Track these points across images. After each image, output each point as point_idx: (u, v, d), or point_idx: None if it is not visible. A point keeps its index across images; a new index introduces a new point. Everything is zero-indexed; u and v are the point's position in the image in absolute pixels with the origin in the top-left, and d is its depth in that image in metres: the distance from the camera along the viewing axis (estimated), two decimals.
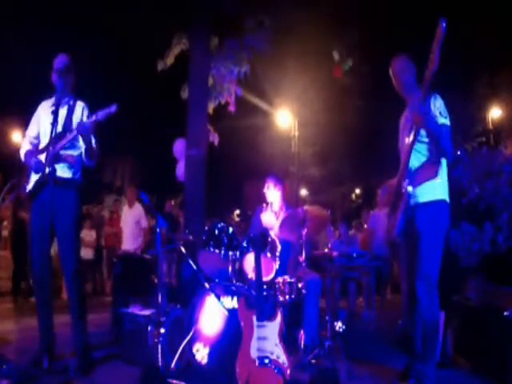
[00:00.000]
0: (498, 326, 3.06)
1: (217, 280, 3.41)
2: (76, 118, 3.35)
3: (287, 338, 3.13)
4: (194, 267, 3.43)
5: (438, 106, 2.88)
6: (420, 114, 2.74)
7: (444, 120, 2.86)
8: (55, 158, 3.20)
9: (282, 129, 13.77)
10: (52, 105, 3.32)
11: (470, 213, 3.90)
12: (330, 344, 3.47)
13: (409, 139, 2.89)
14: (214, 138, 6.55)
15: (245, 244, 3.46)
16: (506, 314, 3.00)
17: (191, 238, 3.90)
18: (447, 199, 2.92)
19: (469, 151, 4.24)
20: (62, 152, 3.25)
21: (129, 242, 6.75)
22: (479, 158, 4.10)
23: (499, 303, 3.25)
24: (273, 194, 4.03)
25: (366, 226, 8.09)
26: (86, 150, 3.30)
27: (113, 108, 3.15)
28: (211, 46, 6.02)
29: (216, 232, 3.46)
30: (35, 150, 3.37)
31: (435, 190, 2.88)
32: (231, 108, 6.46)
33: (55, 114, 3.19)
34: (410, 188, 2.79)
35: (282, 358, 2.75)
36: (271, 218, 4.00)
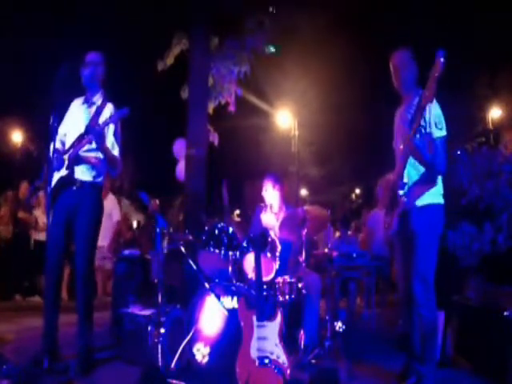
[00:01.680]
0: (498, 326, 3.06)
1: (217, 280, 3.41)
2: (103, 120, 3.28)
3: (287, 338, 3.13)
4: (194, 267, 3.43)
5: (433, 115, 2.82)
6: (411, 148, 2.77)
7: (439, 132, 2.82)
8: (75, 160, 3.19)
9: (282, 129, 13.77)
10: (82, 103, 3.33)
11: (470, 213, 3.90)
12: (329, 344, 3.47)
13: (402, 146, 2.89)
14: (214, 138, 6.54)
15: (245, 244, 3.46)
16: (505, 314, 3.00)
17: (191, 237, 3.90)
18: (442, 201, 2.95)
19: (469, 151, 4.24)
20: (83, 154, 3.22)
21: (100, 238, 6.58)
22: (479, 157, 4.10)
23: (499, 303, 3.24)
24: (272, 195, 4.01)
25: (365, 225, 8.08)
26: (104, 157, 3.26)
27: (124, 111, 3.13)
28: (211, 46, 6.01)
29: (216, 232, 3.46)
30: (61, 150, 3.35)
31: (429, 194, 2.91)
32: (231, 108, 6.46)
33: (83, 113, 3.23)
34: (404, 199, 2.82)
35: (282, 358, 2.75)
36: (271, 218, 4.00)
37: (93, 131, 3.13)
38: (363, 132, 13.85)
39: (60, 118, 3.32)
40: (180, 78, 6.33)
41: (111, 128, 3.28)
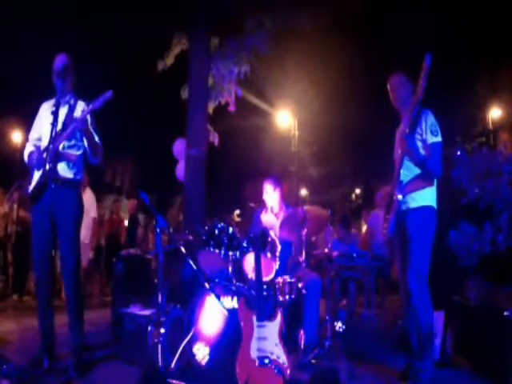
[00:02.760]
0: (497, 326, 3.06)
1: (217, 280, 3.41)
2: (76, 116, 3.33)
3: (287, 338, 3.13)
4: (194, 267, 3.43)
5: (429, 124, 3.06)
6: (407, 147, 2.98)
7: (435, 138, 3.03)
8: (56, 156, 3.19)
9: (282, 129, 13.77)
10: (53, 105, 3.32)
11: (470, 213, 3.90)
12: (329, 344, 3.47)
13: (399, 153, 3.11)
14: (214, 138, 6.55)
15: (245, 244, 3.46)
16: (505, 314, 3.00)
17: (191, 237, 3.90)
18: (435, 205, 3.11)
19: (469, 151, 4.24)
20: (62, 150, 3.24)
21: None
22: (479, 157, 4.10)
23: (499, 303, 3.25)
24: (272, 197, 4.01)
25: (365, 225, 8.08)
26: (89, 145, 3.29)
27: (108, 94, 3.11)
28: (211, 46, 6.02)
29: (216, 232, 3.47)
30: (37, 151, 3.36)
31: (424, 197, 3.08)
32: (231, 108, 6.46)
33: (55, 113, 3.18)
34: (399, 196, 3.03)
35: (282, 358, 2.76)
36: (271, 218, 4.00)
37: (81, 121, 3.13)
38: (363, 132, 13.84)
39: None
40: (180, 78, 6.33)
41: (88, 118, 3.28)
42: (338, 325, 3.68)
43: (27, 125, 3.49)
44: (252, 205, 4.05)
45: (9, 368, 2.84)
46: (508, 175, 3.84)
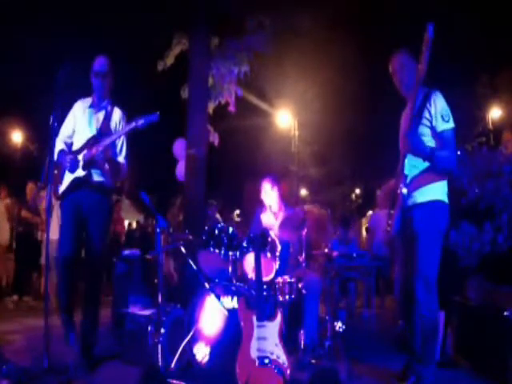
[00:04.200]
0: (497, 326, 3.06)
1: (217, 280, 3.41)
2: (113, 125, 3.33)
3: (287, 338, 3.13)
4: (194, 267, 3.43)
5: (439, 108, 2.73)
6: (408, 146, 2.72)
7: (446, 125, 2.73)
8: (90, 162, 3.19)
9: (282, 129, 13.78)
10: (89, 106, 3.31)
11: (470, 213, 3.89)
12: (329, 344, 3.47)
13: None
14: (214, 138, 6.55)
15: (245, 244, 3.46)
16: (505, 314, 3.00)
17: (191, 237, 3.90)
18: (445, 199, 2.86)
19: (469, 151, 4.23)
20: (96, 158, 3.20)
21: (54, 231, 6.41)
22: (479, 158, 4.09)
23: (499, 303, 3.24)
24: (270, 196, 4.02)
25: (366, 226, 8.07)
26: (110, 170, 3.27)
27: (155, 116, 3.07)
28: (211, 46, 6.01)
29: (216, 232, 3.47)
30: (70, 153, 3.33)
31: (433, 190, 2.82)
32: (231, 108, 6.46)
33: (90, 116, 3.21)
34: (404, 190, 2.74)
35: (282, 358, 2.75)
36: (271, 218, 4.00)
37: (101, 146, 3.13)
38: (363, 132, 13.86)
39: (60, 118, 3.31)
40: (180, 78, 6.33)
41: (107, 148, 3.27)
42: (338, 325, 3.67)
43: (27, 125, 3.49)
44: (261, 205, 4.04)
45: (9, 368, 2.84)
46: (508, 175, 3.84)
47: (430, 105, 2.75)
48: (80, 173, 3.23)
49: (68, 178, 3.27)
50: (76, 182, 3.21)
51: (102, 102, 3.36)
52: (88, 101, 3.41)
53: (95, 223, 3.25)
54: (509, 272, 3.50)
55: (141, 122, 3.08)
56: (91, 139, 3.23)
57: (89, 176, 3.20)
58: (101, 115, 3.33)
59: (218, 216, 7.22)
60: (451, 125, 2.75)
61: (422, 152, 2.72)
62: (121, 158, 3.39)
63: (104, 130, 3.25)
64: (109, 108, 3.36)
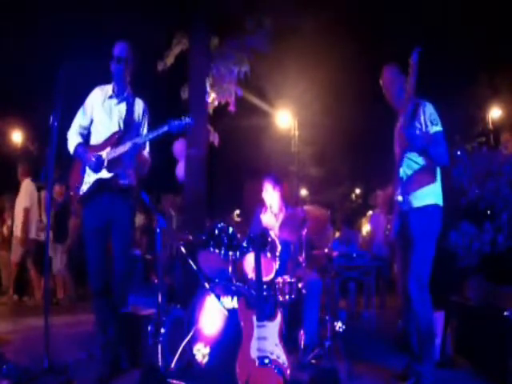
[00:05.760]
0: (497, 326, 3.06)
1: (217, 280, 3.41)
2: (136, 117, 3.16)
3: (287, 338, 3.13)
4: (194, 267, 3.43)
5: (428, 114, 2.95)
6: (405, 138, 2.88)
7: (436, 128, 2.93)
8: (116, 162, 3.01)
9: (282, 129, 13.76)
10: (109, 96, 3.12)
11: (470, 213, 3.89)
12: (329, 344, 3.47)
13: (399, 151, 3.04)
14: (214, 138, 6.55)
15: (245, 244, 3.46)
16: (505, 314, 3.00)
17: (191, 237, 3.90)
18: (439, 202, 3.01)
19: (469, 151, 4.23)
20: (122, 158, 3.03)
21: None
22: (479, 157, 4.09)
23: (499, 303, 3.25)
24: (272, 196, 4.02)
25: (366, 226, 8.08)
26: (138, 165, 3.15)
27: (189, 120, 2.98)
28: (211, 46, 6.02)
29: (216, 232, 3.46)
30: (88, 146, 3.12)
31: (427, 195, 2.98)
32: (231, 108, 6.46)
33: (111, 108, 3.06)
34: (400, 198, 2.94)
35: (282, 358, 2.75)
36: (271, 218, 4.00)
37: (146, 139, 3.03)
38: (363, 132, 13.85)
39: (60, 119, 3.19)
40: (180, 78, 6.33)
41: (145, 125, 3.18)
42: (338, 325, 3.67)
43: (27, 125, 3.47)
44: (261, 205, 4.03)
45: (9, 368, 2.84)
46: (508, 175, 3.84)
47: (419, 114, 2.96)
48: (105, 174, 3.02)
49: (89, 178, 3.06)
50: (100, 184, 3.02)
51: (123, 92, 3.16)
52: (107, 89, 3.18)
53: (123, 225, 3.10)
54: (509, 272, 3.50)
55: (173, 126, 2.96)
56: (115, 135, 3.04)
57: (115, 178, 3.01)
58: (122, 107, 3.13)
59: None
60: (440, 128, 2.94)
61: (420, 140, 2.88)
62: (145, 153, 3.22)
63: (128, 125, 3.08)
64: (130, 99, 3.16)
